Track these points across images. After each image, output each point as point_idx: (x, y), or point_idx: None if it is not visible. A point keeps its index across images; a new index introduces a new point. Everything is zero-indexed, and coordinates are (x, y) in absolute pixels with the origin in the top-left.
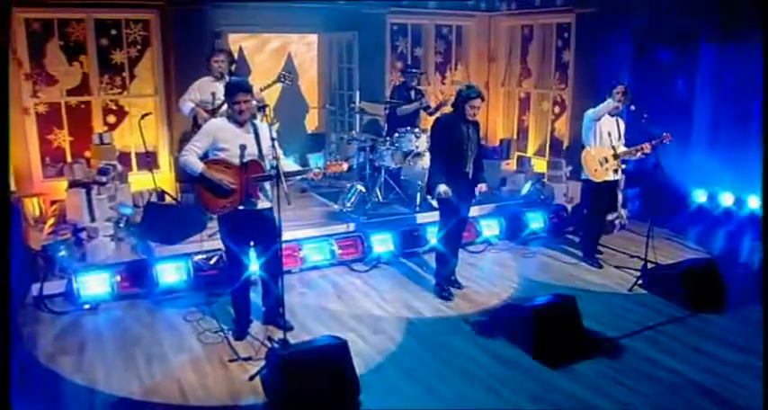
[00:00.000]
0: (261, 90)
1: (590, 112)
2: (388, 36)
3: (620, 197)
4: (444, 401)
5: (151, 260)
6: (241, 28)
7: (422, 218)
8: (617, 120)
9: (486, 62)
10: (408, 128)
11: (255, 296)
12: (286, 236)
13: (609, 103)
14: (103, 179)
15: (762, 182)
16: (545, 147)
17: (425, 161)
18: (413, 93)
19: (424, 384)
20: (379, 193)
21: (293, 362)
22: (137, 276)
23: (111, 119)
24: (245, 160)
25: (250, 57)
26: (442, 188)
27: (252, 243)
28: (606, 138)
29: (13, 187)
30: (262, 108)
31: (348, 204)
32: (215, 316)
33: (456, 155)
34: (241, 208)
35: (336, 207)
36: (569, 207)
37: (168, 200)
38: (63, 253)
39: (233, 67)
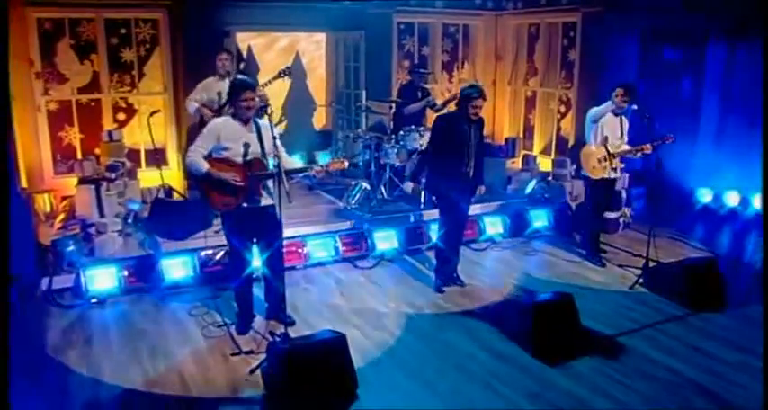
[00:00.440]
0: (263, 86)
1: (592, 112)
2: (395, 35)
3: (623, 196)
4: (441, 396)
5: (158, 255)
6: (249, 27)
7: (426, 215)
8: (620, 119)
9: (492, 61)
10: (413, 126)
11: (259, 291)
12: (291, 232)
13: (608, 105)
14: (112, 175)
15: (762, 181)
16: (551, 145)
17: None
18: (419, 92)
19: (423, 379)
20: (383, 191)
21: (292, 356)
22: (143, 271)
23: (121, 116)
24: (248, 158)
25: (259, 55)
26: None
27: (255, 239)
28: (606, 137)
29: (24, 183)
30: (263, 107)
31: (353, 201)
32: (219, 310)
33: (456, 153)
34: (245, 205)
35: (341, 204)
36: (573, 205)
37: (176, 196)
38: (72, 247)
39: (241, 66)
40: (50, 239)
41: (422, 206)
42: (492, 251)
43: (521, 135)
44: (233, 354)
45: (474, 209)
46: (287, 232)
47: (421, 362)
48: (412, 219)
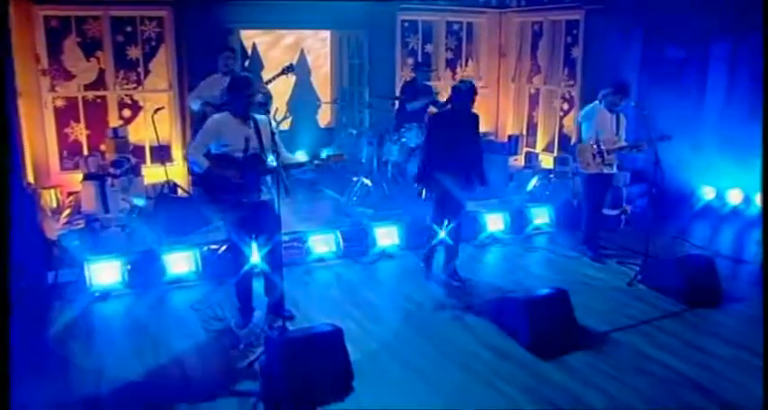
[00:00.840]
0: (266, 83)
1: (581, 112)
2: (398, 33)
3: (624, 193)
4: (437, 389)
5: (161, 250)
6: (253, 25)
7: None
8: (617, 116)
9: (496, 58)
10: (415, 123)
11: (259, 286)
12: (293, 228)
13: (595, 105)
14: (117, 171)
15: (761, 181)
16: (554, 143)
17: None
18: (423, 90)
19: (419, 372)
20: (385, 187)
21: (288, 348)
22: (147, 266)
23: (127, 113)
24: (247, 154)
25: (264, 52)
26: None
27: (254, 234)
28: (601, 133)
29: (31, 179)
30: (264, 103)
31: (354, 197)
32: (220, 305)
33: (450, 150)
34: (244, 200)
35: (343, 200)
36: (575, 202)
37: (180, 192)
38: (76, 242)
39: (246, 63)
40: (56, 234)
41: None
42: (493, 247)
43: (524, 132)
44: (233, 347)
45: (476, 206)
46: (288, 227)
47: (418, 356)
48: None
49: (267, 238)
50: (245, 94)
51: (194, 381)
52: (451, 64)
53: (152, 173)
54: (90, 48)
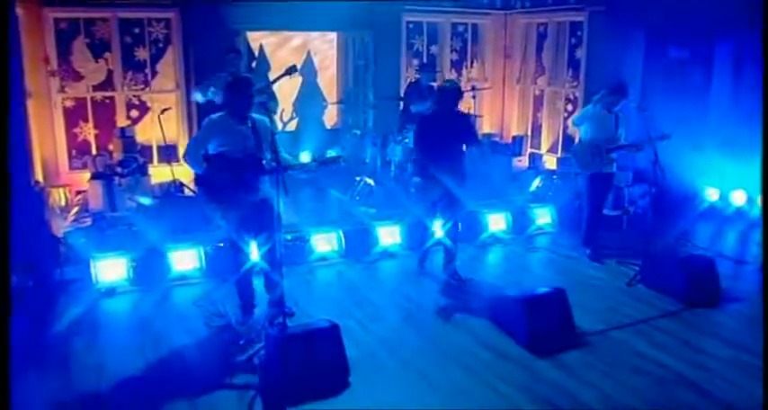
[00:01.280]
0: (271, 82)
1: (581, 112)
2: (403, 34)
3: (626, 193)
4: (432, 386)
5: (166, 248)
6: (260, 26)
7: None
8: (615, 116)
9: (501, 59)
10: None
11: (260, 283)
12: (296, 227)
13: (588, 110)
14: (124, 171)
15: (761, 181)
16: (558, 144)
17: None
18: (427, 91)
19: (415, 369)
20: (388, 187)
21: (286, 344)
22: (151, 263)
23: (135, 113)
24: (246, 153)
25: (271, 54)
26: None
27: (254, 233)
28: (600, 134)
29: (39, 177)
30: (263, 103)
31: (357, 197)
32: (223, 302)
33: (438, 150)
34: (244, 200)
35: (346, 199)
36: (578, 202)
37: (187, 192)
38: (83, 240)
39: (253, 64)
40: (63, 231)
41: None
42: (494, 247)
43: (529, 133)
44: (233, 343)
45: (478, 206)
46: (291, 226)
47: (415, 354)
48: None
49: (267, 237)
50: (244, 95)
51: (195, 375)
52: (457, 65)
53: (159, 173)
54: (98, 49)
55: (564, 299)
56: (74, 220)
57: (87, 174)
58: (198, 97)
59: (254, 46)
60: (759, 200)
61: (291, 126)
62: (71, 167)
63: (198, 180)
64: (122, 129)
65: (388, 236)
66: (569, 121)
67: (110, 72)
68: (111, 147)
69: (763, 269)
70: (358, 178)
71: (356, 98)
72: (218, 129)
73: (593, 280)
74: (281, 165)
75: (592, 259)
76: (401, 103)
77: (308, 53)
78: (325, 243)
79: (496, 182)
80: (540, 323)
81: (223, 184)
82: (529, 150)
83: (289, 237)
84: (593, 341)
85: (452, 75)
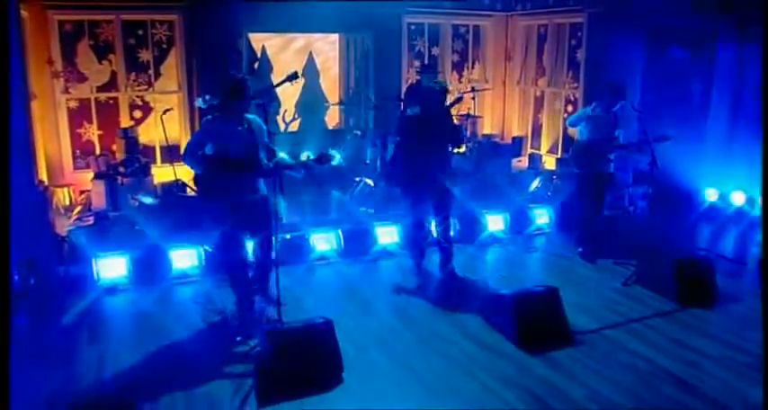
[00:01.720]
0: (274, 87)
1: (577, 113)
2: (405, 35)
3: (626, 194)
4: (424, 382)
5: (166, 246)
6: (262, 28)
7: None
8: (613, 117)
9: (503, 61)
10: None
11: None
12: (295, 226)
13: (585, 111)
14: (126, 171)
15: (761, 182)
16: (557, 144)
17: None
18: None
19: (407, 366)
20: (387, 187)
21: (281, 339)
22: (152, 261)
23: (138, 114)
24: (243, 154)
25: (275, 55)
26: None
27: (249, 231)
28: (596, 134)
29: (43, 177)
30: (260, 104)
31: (356, 197)
32: (221, 299)
33: (425, 149)
34: (241, 199)
35: (345, 199)
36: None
37: (189, 192)
38: (85, 238)
39: (255, 66)
40: (66, 230)
41: None
42: (492, 247)
43: (529, 134)
44: (230, 339)
45: (477, 207)
46: (291, 226)
47: (408, 351)
48: None
49: (261, 234)
50: (239, 96)
51: (192, 370)
52: (458, 66)
53: (162, 173)
54: (102, 51)
55: (556, 298)
56: (77, 219)
57: (91, 174)
58: (199, 103)
59: (257, 47)
60: (759, 201)
61: (294, 127)
62: (75, 167)
63: (197, 180)
64: (125, 129)
65: (387, 235)
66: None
67: (113, 73)
68: (114, 147)
69: (763, 269)
70: (357, 178)
71: (358, 99)
72: (214, 130)
73: (588, 280)
74: (277, 165)
75: (583, 258)
76: (402, 104)
77: (311, 54)
78: (324, 242)
79: (496, 182)
80: (532, 321)
81: (220, 184)
82: (529, 151)
83: (288, 236)
84: (585, 339)
85: (454, 77)
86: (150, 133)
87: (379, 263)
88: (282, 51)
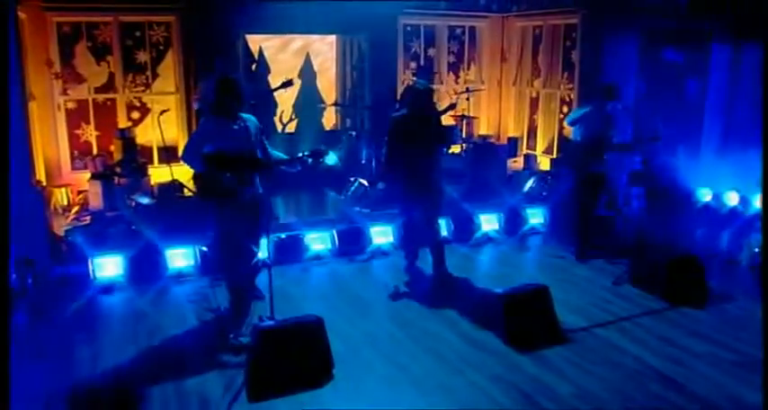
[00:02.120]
0: (272, 90)
1: (574, 112)
2: (400, 37)
3: (620, 194)
4: (412, 378)
5: (162, 246)
6: (258, 30)
7: None
8: (606, 117)
9: (498, 62)
10: None
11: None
12: (290, 226)
13: (582, 111)
14: (123, 171)
15: (762, 181)
16: (553, 145)
17: None
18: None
19: (397, 363)
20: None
21: (273, 336)
22: (148, 261)
23: (135, 115)
24: (240, 151)
25: (272, 56)
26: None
27: (247, 229)
28: (590, 135)
29: (40, 177)
30: (253, 104)
31: (350, 196)
32: (215, 297)
33: (412, 151)
34: (238, 197)
35: (340, 199)
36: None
37: (186, 192)
38: (82, 238)
39: (253, 67)
40: (63, 230)
41: None
42: (486, 247)
43: (525, 135)
44: (223, 336)
45: (471, 207)
46: (286, 225)
47: (399, 349)
48: None
49: (260, 232)
50: (232, 96)
51: (185, 366)
52: (454, 67)
53: (158, 174)
54: (100, 52)
55: (546, 296)
56: (74, 219)
57: (89, 175)
58: (196, 106)
59: (254, 48)
60: (759, 201)
61: (291, 127)
62: (73, 168)
63: (196, 178)
64: (122, 130)
65: (381, 235)
66: (564, 122)
67: (111, 75)
68: (111, 148)
69: (762, 269)
70: (352, 178)
71: (354, 100)
72: (211, 130)
73: (580, 279)
74: (272, 162)
75: (577, 258)
76: (398, 105)
77: (308, 55)
78: (319, 242)
79: (491, 182)
80: (522, 319)
81: (220, 181)
82: (524, 151)
83: (283, 236)
84: (575, 337)
85: (450, 78)
86: (147, 134)
87: (373, 263)
88: (280, 52)
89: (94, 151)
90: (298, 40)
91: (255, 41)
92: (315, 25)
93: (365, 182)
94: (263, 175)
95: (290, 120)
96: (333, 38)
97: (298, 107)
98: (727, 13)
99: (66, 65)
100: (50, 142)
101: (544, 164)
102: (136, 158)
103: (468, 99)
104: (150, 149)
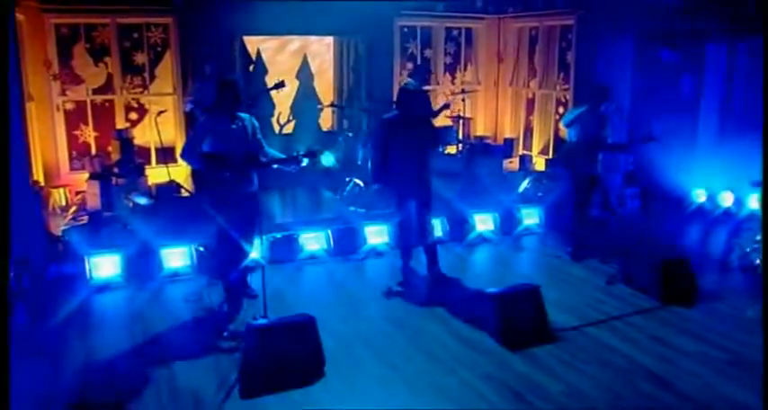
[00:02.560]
0: (265, 91)
1: (569, 112)
2: (397, 38)
3: (615, 194)
4: (404, 377)
5: (158, 246)
6: (256, 31)
7: None
8: (600, 118)
9: (495, 63)
10: None
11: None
12: (285, 225)
13: (578, 112)
14: (121, 171)
15: (762, 181)
16: (549, 146)
17: None
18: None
19: (389, 362)
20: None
21: (266, 335)
22: (144, 260)
23: (133, 116)
24: (237, 149)
25: (270, 58)
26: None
27: (243, 227)
28: (585, 135)
29: (38, 177)
30: (249, 104)
31: (346, 196)
32: (211, 297)
33: (403, 152)
34: (236, 194)
35: (335, 199)
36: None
37: (183, 192)
38: (79, 237)
39: (251, 68)
40: (60, 230)
41: None
42: (481, 247)
43: (521, 136)
44: (218, 334)
45: (466, 207)
46: (281, 225)
47: (391, 347)
48: None
49: (251, 227)
50: (231, 95)
51: (180, 363)
52: (450, 69)
53: (156, 174)
54: (98, 53)
55: (537, 296)
56: (71, 219)
57: (86, 175)
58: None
59: (252, 50)
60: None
61: (288, 128)
62: (71, 168)
63: (194, 175)
64: (119, 130)
65: (376, 235)
66: (560, 123)
67: (109, 76)
68: (109, 148)
69: (763, 268)
70: (348, 178)
71: (351, 101)
72: (210, 129)
73: (573, 279)
74: (268, 160)
75: (572, 258)
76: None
77: (305, 57)
78: (314, 241)
79: (486, 183)
80: (512, 318)
81: (218, 178)
82: (521, 152)
83: (278, 236)
84: (566, 336)
85: (446, 79)
86: (145, 135)
87: (368, 263)
88: (278, 54)
89: (92, 152)
90: (296, 42)
91: (254, 43)
92: (312, 26)
93: (361, 183)
94: (260, 173)
95: (288, 120)
96: (330, 39)
97: (295, 108)
98: (723, 14)
99: (64, 66)
100: (49, 143)
101: (540, 164)
102: (133, 159)
103: (464, 100)
104: (148, 150)
